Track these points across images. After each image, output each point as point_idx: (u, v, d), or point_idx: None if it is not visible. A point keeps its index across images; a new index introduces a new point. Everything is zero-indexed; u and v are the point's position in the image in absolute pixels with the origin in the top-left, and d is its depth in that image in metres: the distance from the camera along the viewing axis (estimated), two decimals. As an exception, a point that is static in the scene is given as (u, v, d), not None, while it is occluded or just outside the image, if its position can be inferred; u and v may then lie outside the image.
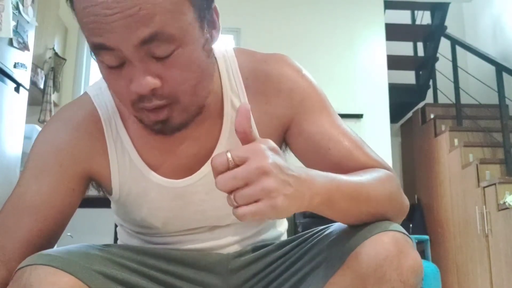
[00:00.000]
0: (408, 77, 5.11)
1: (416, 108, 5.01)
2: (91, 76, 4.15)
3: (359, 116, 4.13)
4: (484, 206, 3.57)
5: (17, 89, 2.48)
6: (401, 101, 4.85)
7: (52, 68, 3.58)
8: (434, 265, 3.16)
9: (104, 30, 0.66)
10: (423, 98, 5.03)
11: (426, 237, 3.45)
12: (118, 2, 0.65)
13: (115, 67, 0.70)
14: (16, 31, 2.41)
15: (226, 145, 0.85)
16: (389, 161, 4.02)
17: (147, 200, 0.86)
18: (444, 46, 4.79)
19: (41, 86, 3.41)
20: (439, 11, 4.86)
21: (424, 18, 5.28)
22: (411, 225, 4.35)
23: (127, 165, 0.85)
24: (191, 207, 0.87)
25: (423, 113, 4.77)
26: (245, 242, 0.93)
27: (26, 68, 2.56)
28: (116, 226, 1.03)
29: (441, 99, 4.96)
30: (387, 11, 4.68)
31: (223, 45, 0.88)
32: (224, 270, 0.89)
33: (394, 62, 4.60)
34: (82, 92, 3.91)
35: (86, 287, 0.70)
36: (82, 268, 0.71)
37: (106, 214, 2.96)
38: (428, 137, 4.62)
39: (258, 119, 0.86)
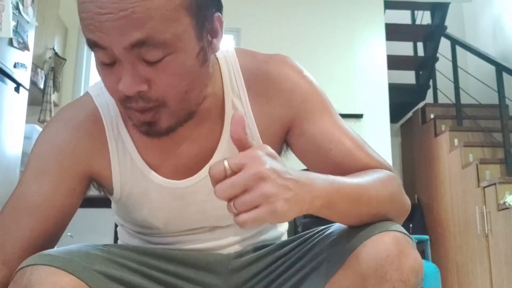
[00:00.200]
0: (408, 77, 5.12)
1: (416, 108, 5.01)
2: (91, 76, 4.15)
3: (359, 116, 4.13)
4: (484, 206, 3.57)
5: (17, 89, 2.48)
6: (401, 101, 4.85)
7: (52, 68, 3.58)
8: (434, 265, 3.16)
9: (96, 28, 0.67)
10: (423, 98, 5.03)
11: (426, 237, 3.45)
12: (112, 3, 0.65)
13: (108, 63, 0.71)
14: (16, 31, 2.41)
15: (227, 146, 0.85)
16: (389, 161, 4.01)
17: (148, 200, 0.86)
18: (444, 46, 4.79)
19: (41, 86, 3.41)
20: (439, 11, 4.86)
21: (424, 18, 5.28)
22: (411, 225, 4.35)
23: (128, 165, 0.85)
24: (192, 208, 0.87)
25: (423, 113, 4.77)
26: (245, 242, 0.93)
27: (26, 68, 2.56)
28: (116, 226, 1.03)
29: (441, 99, 4.96)
30: (387, 11, 4.68)
31: (225, 46, 0.87)
32: (224, 270, 0.89)
33: (394, 62, 4.60)
34: (82, 92, 3.91)
35: (87, 287, 0.70)
36: (83, 268, 0.71)
37: (106, 214, 2.97)
38: (428, 137, 4.62)
39: (259, 120, 0.86)
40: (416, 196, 4.70)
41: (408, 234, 0.73)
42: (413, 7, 5.33)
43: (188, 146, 0.85)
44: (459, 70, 4.57)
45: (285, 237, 1.01)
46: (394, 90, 4.45)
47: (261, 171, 0.59)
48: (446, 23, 4.85)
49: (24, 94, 2.57)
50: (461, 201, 3.95)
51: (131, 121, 0.76)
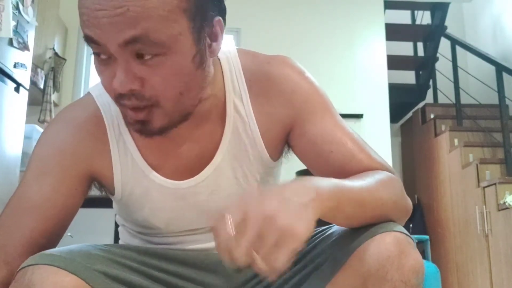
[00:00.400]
0: (408, 77, 5.12)
1: (416, 108, 5.01)
2: (91, 76, 4.15)
3: (359, 116, 4.14)
4: (484, 206, 3.57)
5: (17, 89, 2.48)
6: (401, 101, 4.85)
7: (52, 68, 3.58)
8: (434, 265, 3.16)
9: (93, 24, 0.67)
10: (423, 98, 5.03)
11: (426, 237, 3.45)
12: (110, 0, 0.65)
13: (104, 60, 0.71)
14: (16, 31, 2.41)
15: (228, 147, 0.85)
16: (389, 161, 4.01)
17: (149, 200, 0.86)
18: (444, 46, 4.79)
19: (41, 86, 3.41)
20: (439, 11, 4.86)
21: (424, 18, 5.28)
22: (411, 225, 4.35)
23: (129, 165, 0.85)
24: (193, 208, 0.87)
25: (423, 113, 4.77)
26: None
27: (26, 68, 2.56)
28: (116, 226, 1.03)
29: (441, 99, 4.96)
30: (387, 11, 4.68)
31: (227, 46, 0.87)
32: (225, 270, 0.89)
33: (394, 62, 4.60)
34: (82, 92, 3.90)
35: (88, 286, 0.70)
36: (84, 267, 0.71)
37: (106, 214, 2.97)
38: (428, 137, 4.62)
39: (260, 120, 0.86)
40: (416, 196, 4.70)
41: (409, 234, 0.73)
42: (413, 7, 5.33)
43: (189, 146, 0.85)
44: (459, 70, 4.57)
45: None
46: (394, 90, 4.45)
47: (264, 212, 0.59)
48: (446, 23, 4.85)
49: (24, 94, 2.57)
50: (461, 201, 3.96)
51: (125, 119, 0.77)
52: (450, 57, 4.67)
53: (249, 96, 0.86)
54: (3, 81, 2.34)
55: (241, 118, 0.85)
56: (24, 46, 2.52)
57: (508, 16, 4.73)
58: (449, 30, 4.84)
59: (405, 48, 5.27)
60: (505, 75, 3.85)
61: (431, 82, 5.09)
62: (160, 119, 0.74)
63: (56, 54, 3.65)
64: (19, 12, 2.44)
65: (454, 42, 4.66)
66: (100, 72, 0.73)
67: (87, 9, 0.67)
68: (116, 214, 1.01)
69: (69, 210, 0.83)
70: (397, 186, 0.80)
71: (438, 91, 5.04)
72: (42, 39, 3.37)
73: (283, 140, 0.88)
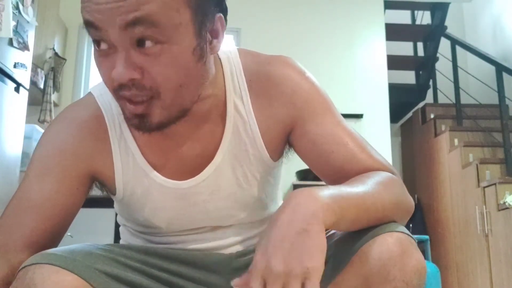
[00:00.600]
0: (408, 77, 5.12)
1: (416, 108, 5.01)
2: (91, 76, 4.15)
3: (359, 116, 4.14)
4: (484, 206, 3.57)
5: (17, 89, 2.48)
6: (401, 101, 4.86)
7: (52, 68, 3.58)
8: (434, 265, 3.16)
9: (92, 9, 0.67)
10: (423, 98, 5.04)
11: (426, 237, 3.45)
12: None
13: (103, 50, 0.70)
14: (16, 31, 2.41)
15: (229, 147, 0.85)
16: (389, 161, 4.01)
17: (150, 200, 0.86)
18: (444, 46, 4.80)
19: (41, 86, 3.41)
20: (439, 11, 4.87)
21: (424, 18, 5.28)
22: (411, 225, 4.35)
23: (130, 165, 0.85)
24: (194, 208, 0.87)
25: (423, 113, 4.78)
26: (247, 242, 0.93)
27: (26, 68, 2.56)
28: (116, 226, 1.04)
29: (441, 99, 4.96)
30: (387, 11, 4.68)
31: (228, 46, 0.87)
32: (227, 270, 0.89)
33: (394, 62, 4.60)
34: (82, 92, 3.90)
35: (89, 286, 0.70)
36: (85, 267, 0.71)
37: (106, 214, 2.97)
38: (428, 137, 4.62)
39: (260, 121, 0.85)
40: (416, 196, 4.70)
41: (411, 235, 0.73)
42: (413, 7, 5.33)
43: (190, 146, 0.85)
44: (459, 70, 4.57)
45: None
46: (394, 90, 4.45)
47: (277, 270, 0.61)
48: (446, 23, 4.86)
49: (24, 94, 2.57)
50: (461, 201, 3.96)
51: (124, 115, 0.75)
52: (450, 57, 4.67)
53: (250, 96, 0.86)
54: (3, 81, 2.34)
55: (241, 118, 0.85)
56: (24, 46, 2.52)
57: (508, 16, 4.74)
58: (449, 30, 4.84)
59: (405, 48, 5.27)
60: (505, 75, 3.85)
61: (431, 82, 5.10)
62: (158, 112, 0.73)
63: (56, 54, 3.65)
64: (19, 12, 2.44)
65: (454, 42, 4.66)
66: (99, 64, 0.73)
67: None
68: (117, 214, 1.01)
69: (70, 209, 0.83)
70: (399, 187, 0.80)
71: (438, 91, 5.04)
72: (42, 39, 3.37)
73: (283, 140, 0.88)
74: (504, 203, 3.30)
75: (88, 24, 0.69)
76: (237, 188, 0.88)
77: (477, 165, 3.77)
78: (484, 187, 3.60)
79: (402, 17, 5.31)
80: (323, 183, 0.86)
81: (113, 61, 0.69)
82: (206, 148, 0.85)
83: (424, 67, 5.05)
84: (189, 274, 0.87)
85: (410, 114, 5.13)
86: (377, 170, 0.81)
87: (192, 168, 0.85)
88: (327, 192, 0.68)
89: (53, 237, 0.81)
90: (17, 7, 2.41)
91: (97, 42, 0.70)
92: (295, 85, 0.85)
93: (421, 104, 4.95)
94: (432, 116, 4.60)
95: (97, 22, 0.67)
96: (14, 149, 2.46)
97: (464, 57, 5.05)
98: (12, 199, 0.82)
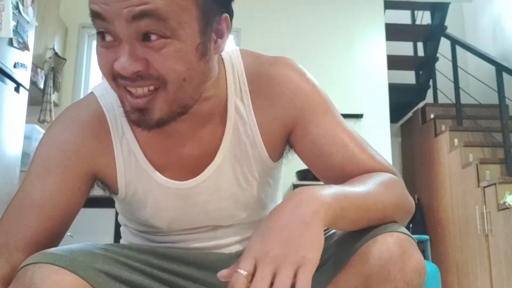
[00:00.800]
0: (408, 77, 5.12)
1: (416, 108, 5.01)
2: (91, 76, 4.15)
3: (359, 116, 4.14)
4: (484, 206, 3.57)
5: (17, 89, 2.48)
6: (401, 101, 4.86)
7: (52, 68, 3.58)
8: (434, 265, 3.15)
9: (100, 0, 0.67)
10: (423, 98, 5.04)
11: (426, 237, 3.45)
12: None
13: (106, 42, 0.70)
14: (16, 31, 2.41)
15: (229, 147, 0.85)
16: (389, 161, 4.01)
17: (151, 200, 0.87)
18: (444, 46, 4.80)
19: (41, 86, 3.41)
20: (439, 11, 4.87)
21: (424, 18, 5.28)
22: (411, 225, 4.35)
23: (132, 165, 0.85)
24: (195, 208, 0.88)
25: (423, 113, 4.78)
26: (247, 241, 0.93)
27: (26, 68, 2.56)
28: (116, 226, 1.04)
29: (441, 99, 4.96)
30: (387, 11, 4.68)
31: (230, 46, 0.87)
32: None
33: (394, 62, 4.60)
34: (82, 92, 3.89)
35: (89, 286, 0.70)
36: (86, 267, 0.71)
37: (106, 214, 2.97)
38: (428, 137, 4.62)
39: (261, 121, 0.86)
40: (416, 196, 4.70)
41: (411, 235, 0.73)
42: (413, 7, 5.33)
43: (191, 147, 0.85)
44: (459, 70, 4.57)
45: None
46: (394, 90, 4.45)
47: (271, 252, 0.61)
48: (446, 23, 4.86)
49: (24, 94, 2.57)
50: (461, 201, 3.96)
51: (123, 108, 0.75)
52: (450, 57, 4.67)
53: (250, 97, 0.86)
54: (3, 81, 2.34)
55: (241, 119, 0.86)
56: (24, 46, 2.52)
57: (508, 16, 4.74)
58: (449, 30, 4.84)
59: (405, 48, 5.27)
60: (505, 75, 3.85)
61: (431, 82, 5.10)
62: (161, 107, 0.72)
63: (56, 54, 3.65)
64: (19, 12, 2.44)
65: (454, 42, 4.66)
66: (100, 55, 0.72)
67: None
68: (117, 214, 1.01)
69: (71, 209, 0.83)
70: (400, 187, 0.80)
71: (438, 91, 5.04)
72: (42, 39, 3.37)
73: (283, 141, 0.88)
74: (504, 203, 3.30)
75: (95, 15, 0.69)
76: (237, 188, 0.88)
77: (477, 165, 3.77)
78: (484, 187, 3.60)
79: (402, 17, 5.30)
80: (322, 183, 0.86)
81: (115, 53, 0.69)
82: (207, 149, 0.85)
83: (424, 67, 5.05)
84: (189, 274, 0.88)
85: (410, 114, 5.13)
86: (378, 171, 0.81)
87: (193, 168, 0.86)
88: (329, 191, 0.68)
89: (54, 237, 0.82)
90: (17, 7, 2.41)
91: (101, 34, 0.70)
92: (296, 86, 0.86)
93: (421, 104, 4.95)
94: (432, 116, 4.60)
95: (104, 13, 0.67)
96: (14, 149, 2.46)
97: (464, 57, 5.05)
98: (14, 198, 0.82)
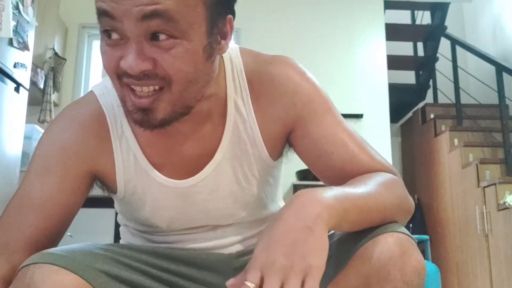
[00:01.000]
0: (408, 77, 5.12)
1: (416, 108, 5.01)
2: (91, 76, 4.15)
3: (359, 116, 4.14)
4: (484, 206, 3.57)
5: (17, 89, 2.48)
6: (401, 101, 4.86)
7: (52, 68, 3.58)
8: (434, 265, 3.15)
9: None
10: (423, 98, 5.04)
11: (426, 237, 3.45)
12: None
13: (112, 40, 0.70)
14: (16, 31, 2.41)
15: (228, 146, 0.85)
16: (389, 161, 4.01)
17: (150, 199, 0.87)
18: (444, 46, 4.79)
19: (41, 86, 3.41)
20: (439, 11, 4.87)
21: (424, 18, 5.28)
22: (411, 225, 4.35)
23: (131, 164, 0.85)
24: (194, 207, 0.87)
25: (423, 113, 4.78)
26: (247, 241, 0.93)
27: (26, 68, 2.56)
28: (116, 226, 1.03)
29: (441, 99, 4.96)
30: (387, 11, 4.68)
31: (230, 44, 0.87)
32: (227, 270, 0.89)
33: (394, 62, 4.60)
34: (82, 92, 3.90)
35: (89, 286, 0.70)
36: (86, 266, 0.71)
37: (106, 214, 2.97)
38: (428, 137, 4.62)
39: (261, 121, 0.85)
40: (416, 196, 4.70)
41: (411, 235, 0.73)
42: (413, 7, 5.33)
43: (190, 145, 0.85)
44: (459, 70, 4.57)
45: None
46: (394, 90, 4.45)
47: (276, 263, 0.60)
48: (446, 23, 4.86)
49: (24, 94, 2.57)
50: (461, 201, 3.96)
51: (125, 108, 0.74)
52: (450, 57, 4.67)
53: (250, 96, 0.86)
54: (3, 81, 2.34)
55: (241, 117, 0.85)
56: (24, 46, 2.52)
57: (508, 16, 4.73)
58: (449, 30, 4.84)
59: (405, 48, 5.27)
60: (505, 75, 3.85)
61: (431, 82, 5.10)
62: (164, 107, 0.72)
63: (56, 54, 3.65)
64: (19, 12, 2.44)
65: (454, 42, 4.66)
66: (105, 53, 0.72)
67: None
68: (117, 214, 1.01)
69: (71, 209, 0.83)
70: (399, 188, 0.80)
71: (438, 91, 5.04)
72: (42, 39, 3.37)
73: (283, 140, 0.88)
74: (504, 203, 3.30)
75: (102, 13, 0.68)
76: (237, 187, 0.88)
77: (477, 165, 3.77)
78: (484, 187, 3.60)
79: (402, 17, 5.30)
80: (322, 183, 0.86)
81: (122, 51, 0.69)
82: (207, 147, 0.85)
83: (424, 67, 5.05)
84: (190, 274, 0.87)
85: (410, 114, 5.13)
86: (377, 171, 0.81)
87: (192, 167, 0.85)
88: (330, 193, 0.68)
89: (54, 236, 0.82)
90: (17, 7, 2.41)
91: (107, 32, 0.70)
92: (296, 85, 0.85)
93: (421, 104, 4.95)
94: (432, 116, 4.60)
95: (112, 12, 0.67)
96: (14, 149, 2.46)
97: (464, 57, 5.05)
98: (13, 197, 0.82)
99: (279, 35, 4.20)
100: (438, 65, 5.02)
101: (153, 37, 0.68)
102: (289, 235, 0.62)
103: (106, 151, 0.85)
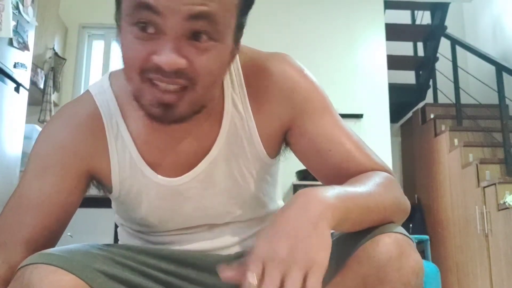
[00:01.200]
0: (408, 77, 5.12)
1: (416, 108, 5.01)
2: (91, 76, 4.15)
3: (359, 116, 4.13)
4: (484, 206, 3.57)
5: (17, 89, 2.48)
6: (401, 101, 4.86)
7: (52, 68, 3.58)
8: (434, 265, 3.15)
9: None
10: (423, 98, 5.04)
11: (426, 237, 3.45)
12: None
13: (145, 34, 0.68)
14: (16, 31, 2.41)
15: (225, 142, 0.85)
16: (389, 161, 4.02)
17: (146, 198, 0.86)
18: (444, 46, 4.79)
19: (41, 86, 3.41)
20: (439, 11, 4.86)
21: (424, 18, 5.28)
22: (411, 225, 4.35)
23: (127, 163, 0.85)
24: (190, 204, 0.87)
25: (423, 113, 4.78)
26: (246, 243, 0.93)
27: (26, 68, 2.56)
28: (116, 226, 1.03)
29: (441, 99, 4.96)
30: (387, 11, 4.68)
31: None
32: (226, 271, 0.89)
33: (394, 62, 4.60)
34: (82, 92, 3.91)
35: (88, 286, 0.70)
36: (84, 267, 0.71)
37: (106, 214, 2.96)
38: (428, 137, 4.62)
39: (258, 118, 0.85)
40: (416, 196, 4.70)
41: (408, 235, 0.73)
42: (413, 7, 5.33)
43: (187, 143, 0.85)
44: (459, 70, 4.57)
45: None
46: (394, 90, 4.45)
47: (279, 255, 0.59)
48: (446, 23, 4.86)
49: (24, 94, 2.57)
50: (461, 201, 3.95)
51: (145, 102, 0.72)
52: (450, 57, 4.67)
53: (247, 93, 0.85)
54: (3, 81, 2.34)
55: (238, 114, 0.85)
56: (24, 46, 2.52)
57: (508, 16, 4.73)
58: (449, 30, 4.84)
59: (405, 48, 5.27)
60: (505, 75, 3.85)
61: (431, 82, 5.10)
62: (186, 104, 0.72)
63: (56, 54, 3.65)
64: (19, 12, 2.44)
65: (454, 42, 4.66)
66: (133, 45, 0.69)
67: None
68: (115, 214, 1.00)
69: (69, 208, 0.83)
70: (397, 188, 0.80)
71: (438, 91, 5.04)
72: (42, 39, 3.37)
73: (280, 138, 0.88)
74: (504, 203, 3.30)
75: (142, 6, 0.67)
76: (232, 184, 0.87)
77: (477, 165, 3.77)
78: (484, 187, 3.60)
79: (402, 17, 5.30)
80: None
81: (154, 46, 0.68)
82: (203, 144, 0.85)
83: (424, 67, 5.05)
84: (188, 275, 0.87)
85: (410, 114, 5.13)
86: (374, 170, 0.81)
87: (188, 164, 0.85)
88: (333, 192, 0.68)
89: (52, 236, 0.82)
90: (17, 7, 2.41)
91: (140, 25, 0.68)
92: (294, 83, 0.85)
93: (421, 104, 4.95)
94: (432, 116, 4.60)
95: (157, 5, 0.66)
96: (14, 149, 2.46)
97: (464, 57, 5.05)
98: (11, 197, 0.82)
99: (279, 35, 4.20)
100: (438, 65, 5.02)
101: (193, 36, 0.68)
102: (293, 230, 0.61)
103: (102, 150, 0.85)
